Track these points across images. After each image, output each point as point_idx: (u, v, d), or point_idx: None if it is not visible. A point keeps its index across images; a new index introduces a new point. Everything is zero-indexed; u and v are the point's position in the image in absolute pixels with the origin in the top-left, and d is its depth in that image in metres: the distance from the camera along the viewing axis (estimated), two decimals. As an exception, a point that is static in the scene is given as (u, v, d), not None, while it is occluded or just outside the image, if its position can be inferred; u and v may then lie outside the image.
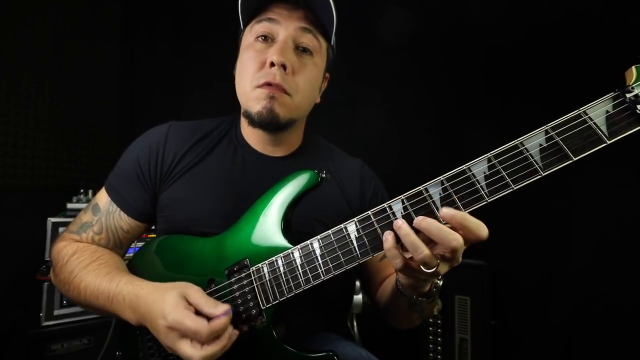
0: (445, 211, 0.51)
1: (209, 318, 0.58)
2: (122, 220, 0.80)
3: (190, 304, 0.59)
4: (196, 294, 0.60)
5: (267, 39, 0.77)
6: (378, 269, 0.87)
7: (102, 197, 0.82)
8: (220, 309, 0.58)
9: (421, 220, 0.51)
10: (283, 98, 0.75)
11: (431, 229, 0.50)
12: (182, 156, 0.81)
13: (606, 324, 1.30)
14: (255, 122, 0.76)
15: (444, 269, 0.54)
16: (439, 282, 0.65)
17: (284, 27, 0.75)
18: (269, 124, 0.76)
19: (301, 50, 0.78)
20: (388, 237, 0.54)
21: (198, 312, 0.59)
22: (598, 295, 1.32)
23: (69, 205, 1.46)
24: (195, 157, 0.81)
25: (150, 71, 2.18)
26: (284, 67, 0.73)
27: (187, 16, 2.19)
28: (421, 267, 0.53)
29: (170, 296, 0.59)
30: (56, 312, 1.30)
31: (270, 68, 0.73)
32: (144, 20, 2.20)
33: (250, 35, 0.79)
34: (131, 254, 0.82)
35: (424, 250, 0.51)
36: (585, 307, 1.35)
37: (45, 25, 1.63)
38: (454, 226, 0.51)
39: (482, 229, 0.51)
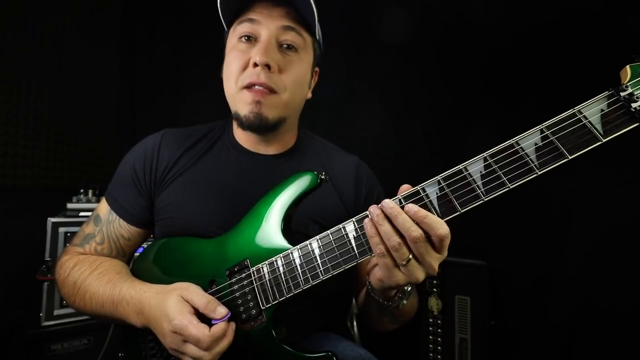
0: (410, 206, 0.52)
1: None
2: (122, 228, 0.81)
3: (191, 305, 0.60)
4: (195, 294, 0.61)
5: (250, 38, 0.76)
6: (365, 271, 0.87)
7: (103, 208, 0.83)
8: (218, 314, 0.59)
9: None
10: (270, 98, 0.75)
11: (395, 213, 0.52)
12: (176, 161, 0.82)
13: (606, 324, 1.29)
14: (245, 125, 0.77)
15: (419, 272, 0.54)
16: (406, 288, 0.65)
17: (265, 26, 0.74)
18: (258, 127, 0.76)
19: (285, 47, 0.77)
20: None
21: (199, 312, 0.60)
22: (597, 295, 1.32)
23: (69, 205, 1.46)
24: (188, 161, 0.82)
25: (150, 71, 2.17)
26: (268, 66, 0.73)
27: (187, 16, 2.19)
28: (395, 257, 0.53)
29: (172, 300, 0.60)
30: (56, 312, 1.30)
31: (254, 68, 0.73)
32: (143, 20, 2.20)
33: (234, 36, 0.78)
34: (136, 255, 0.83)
35: (398, 239, 0.52)
36: (585, 307, 1.34)
37: (45, 26, 1.64)
38: (416, 221, 0.52)
39: (440, 226, 0.51)
